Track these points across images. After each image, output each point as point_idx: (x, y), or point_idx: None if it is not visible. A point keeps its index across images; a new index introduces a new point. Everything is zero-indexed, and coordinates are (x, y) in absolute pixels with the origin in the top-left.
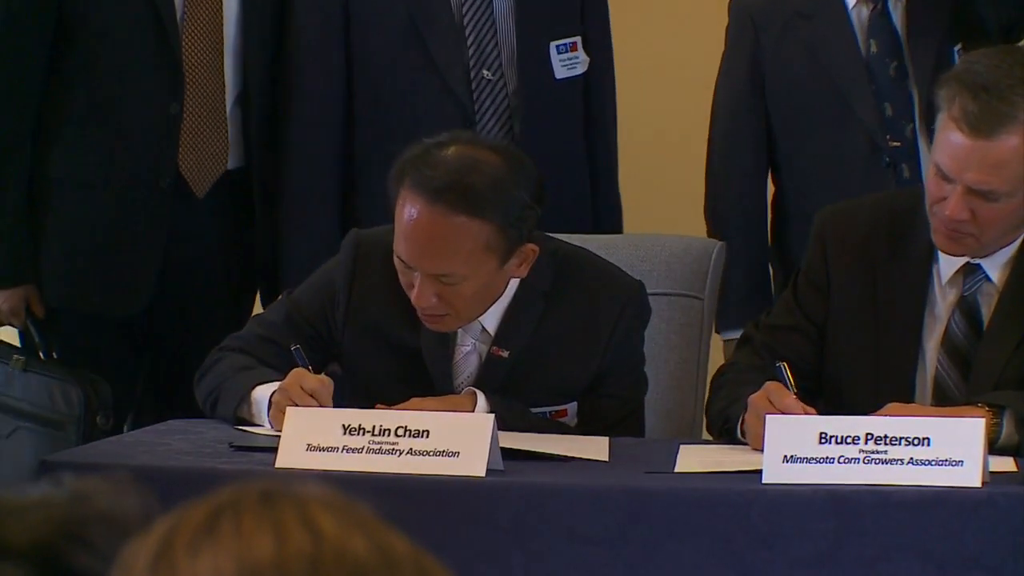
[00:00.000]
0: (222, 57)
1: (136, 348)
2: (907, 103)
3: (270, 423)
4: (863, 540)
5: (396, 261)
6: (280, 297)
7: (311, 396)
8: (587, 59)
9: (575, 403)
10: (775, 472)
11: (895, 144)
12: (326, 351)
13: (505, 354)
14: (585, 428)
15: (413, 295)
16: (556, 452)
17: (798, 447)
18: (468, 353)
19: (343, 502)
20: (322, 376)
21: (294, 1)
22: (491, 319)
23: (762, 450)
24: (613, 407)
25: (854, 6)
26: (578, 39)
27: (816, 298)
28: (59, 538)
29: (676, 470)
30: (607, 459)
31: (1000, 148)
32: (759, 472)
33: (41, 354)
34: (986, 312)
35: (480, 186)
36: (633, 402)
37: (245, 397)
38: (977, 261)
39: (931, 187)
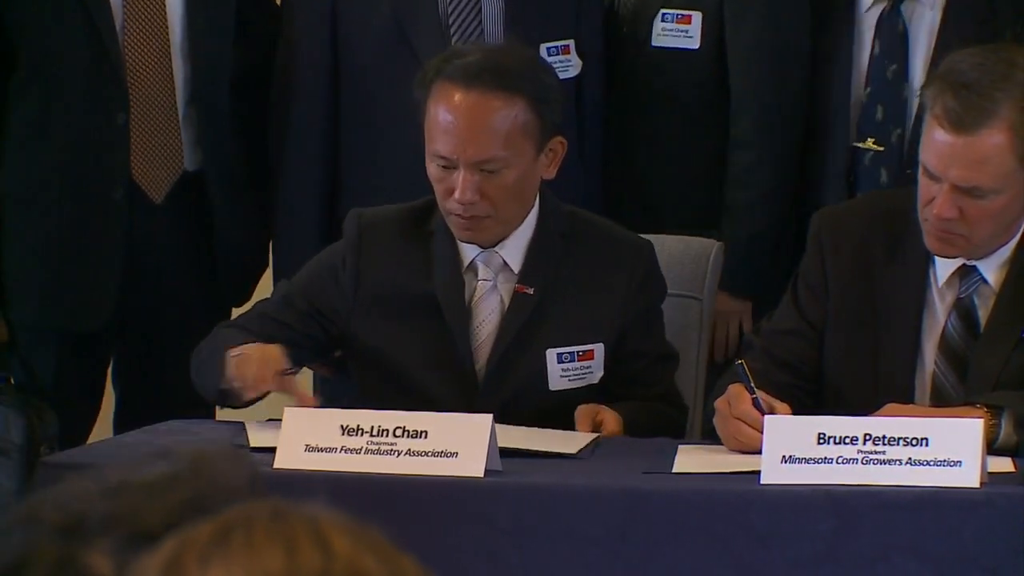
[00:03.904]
0: (170, 60)
1: (99, 360)
2: (901, 107)
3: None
4: (861, 540)
5: (432, 168)
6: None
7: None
8: (579, 62)
9: (602, 344)
10: (773, 473)
11: (879, 148)
12: (324, 329)
13: (531, 291)
14: (626, 392)
15: (456, 195)
16: (548, 449)
17: (796, 448)
18: (489, 292)
19: (354, 524)
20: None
21: (283, 1)
22: (514, 255)
23: (735, 451)
24: (647, 368)
25: (868, 8)
26: (571, 42)
27: (814, 301)
28: (190, 516)
29: (674, 471)
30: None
31: (983, 144)
32: (757, 473)
33: None
34: (983, 314)
35: (513, 64)
36: (667, 359)
37: (222, 358)
38: (973, 263)
39: (921, 189)
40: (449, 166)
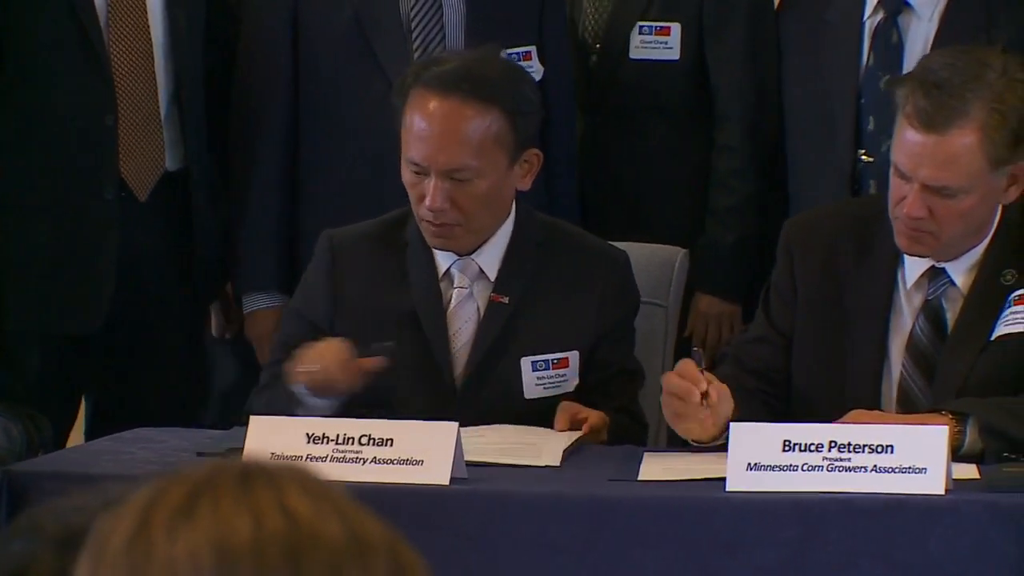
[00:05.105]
0: (152, 59)
1: (81, 362)
2: (892, 119)
3: (307, 394)
4: (827, 548)
5: (407, 174)
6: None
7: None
8: (541, 68)
9: (577, 353)
10: (739, 480)
11: (868, 159)
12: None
13: (505, 300)
14: (587, 403)
15: (426, 202)
16: (515, 462)
17: (762, 455)
18: (465, 300)
19: (321, 485)
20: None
21: (244, 2)
22: (491, 263)
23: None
24: (610, 380)
25: (869, 16)
26: (532, 48)
27: (784, 308)
28: None
29: (640, 478)
30: (558, 464)
31: (952, 144)
32: (723, 480)
33: None
34: (951, 317)
35: (492, 74)
36: (632, 375)
37: (293, 399)
38: (942, 265)
39: (892, 188)
40: (422, 173)
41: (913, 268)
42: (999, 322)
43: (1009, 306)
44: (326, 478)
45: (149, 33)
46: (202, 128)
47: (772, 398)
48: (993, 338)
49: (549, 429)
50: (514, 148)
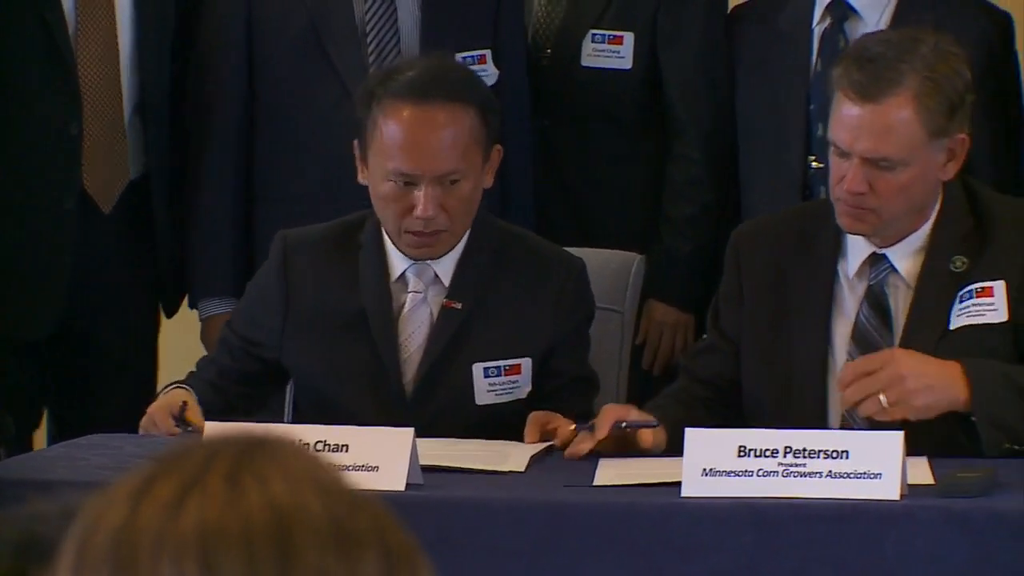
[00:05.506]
0: (119, 70)
1: (40, 369)
2: None
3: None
4: (782, 553)
5: (388, 188)
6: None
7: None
8: (496, 72)
9: (529, 359)
10: (694, 485)
11: (819, 165)
12: (261, 359)
13: (458, 306)
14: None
15: (418, 211)
16: (474, 466)
17: (717, 460)
18: (419, 305)
19: (313, 469)
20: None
21: (198, 7)
22: (445, 268)
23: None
24: (565, 388)
25: (817, 23)
26: (487, 52)
27: (733, 316)
28: None
29: (595, 483)
30: (523, 469)
31: (888, 113)
32: (678, 485)
33: None
34: (893, 304)
35: (459, 74)
36: (588, 383)
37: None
38: (882, 251)
39: (832, 168)
40: (410, 183)
41: (854, 257)
42: (955, 311)
43: (971, 297)
44: (320, 458)
45: (117, 44)
46: (164, 136)
47: (721, 406)
48: (953, 328)
49: (519, 443)
50: (486, 145)
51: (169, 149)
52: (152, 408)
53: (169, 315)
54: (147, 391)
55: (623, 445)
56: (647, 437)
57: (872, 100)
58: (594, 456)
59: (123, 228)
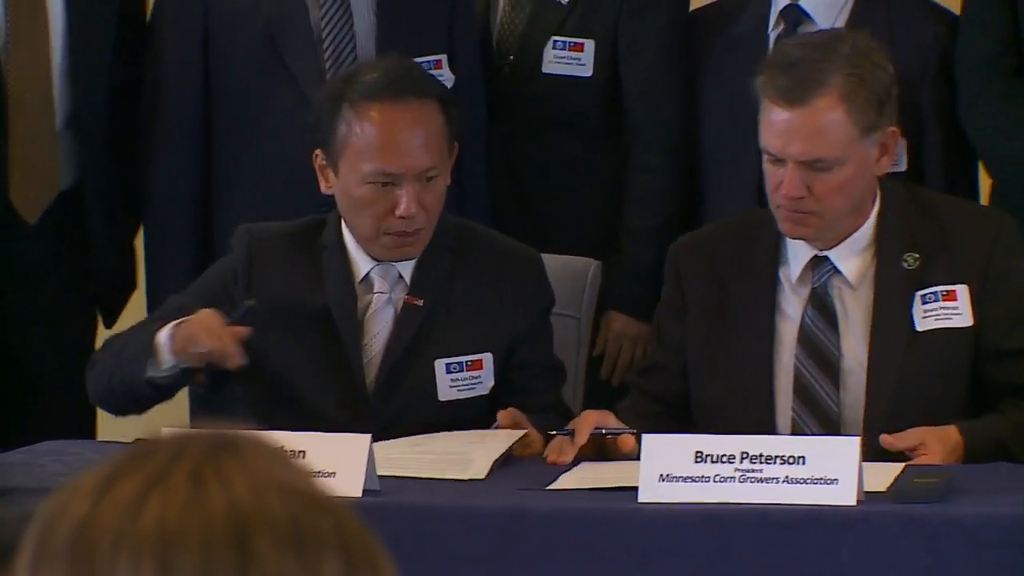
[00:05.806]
0: (51, 80)
1: None
2: None
3: (173, 357)
4: (739, 559)
5: (366, 191)
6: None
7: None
8: (452, 77)
9: (491, 354)
10: (651, 491)
11: None
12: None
13: (420, 303)
14: (515, 403)
15: (401, 210)
16: (434, 476)
17: (674, 466)
18: (383, 305)
19: (283, 475)
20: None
21: (152, 13)
22: (407, 266)
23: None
24: (534, 378)
25: (772, 29)
26: (443, 57)
27: (676, 329)
28: None
29: (551, 487)
30: (483, 477)
31: (817, 115)
32: (635, 490)
33: None
34: (839, 304)
35: (420, 72)
36: (556, 372)
37: (148, 347)
38: (824, 253)
39: (768, 176)
40: (389, 183)
41: (796, 262)
42: (919, 312)
43: (936, 299)
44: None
45: (49, 54)
46: (100, 146)
47: (672, 419)
48: (920, 330)
49: (488, 431)
50: (451, 140)
51: (107, 158)
52: (192, 331)
53: (108, 325)
54: (85, 403)
55: (601, 451)
56: (627, 443)
57: (799, 103)
58: (576, 460)
59: (49, 239)
